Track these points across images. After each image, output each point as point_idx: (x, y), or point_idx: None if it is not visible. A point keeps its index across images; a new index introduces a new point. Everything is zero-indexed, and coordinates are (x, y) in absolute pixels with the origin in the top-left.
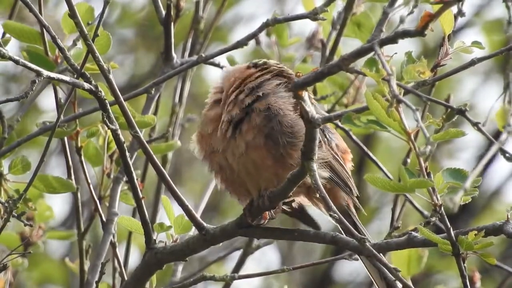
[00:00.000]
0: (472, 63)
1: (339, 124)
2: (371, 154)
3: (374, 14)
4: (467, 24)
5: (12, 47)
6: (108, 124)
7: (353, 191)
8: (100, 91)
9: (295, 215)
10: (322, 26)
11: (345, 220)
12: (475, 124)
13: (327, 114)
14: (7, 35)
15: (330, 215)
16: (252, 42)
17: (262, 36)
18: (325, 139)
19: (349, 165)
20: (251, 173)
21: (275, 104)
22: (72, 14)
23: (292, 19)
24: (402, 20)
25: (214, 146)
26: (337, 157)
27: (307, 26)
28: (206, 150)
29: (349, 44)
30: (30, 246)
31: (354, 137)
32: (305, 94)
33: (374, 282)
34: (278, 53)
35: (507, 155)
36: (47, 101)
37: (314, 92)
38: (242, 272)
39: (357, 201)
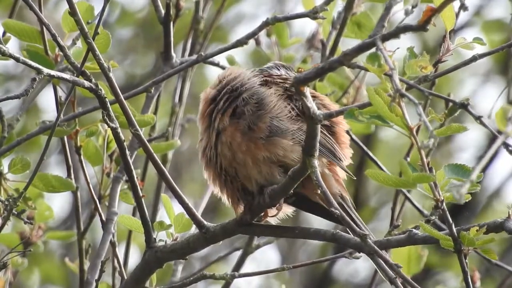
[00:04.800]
0: (474, 59)
1: None
2: (370, 154)
3: (374, 15)
4: (467, 24)
5: (12, 47)
6: (108, 122)
7: (341, 158)
8: (100, 89)
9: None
10: (322, 26)
11: (346, 217)
12: (478, 118)
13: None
14: (7, 34)
15: (332, 212)
16: (252, 42)
17: (263, 36)
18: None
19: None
20: (228, 159)
21: (238, 84)
22: (72, 11)
23: (292, 18)
24: (407, 13)
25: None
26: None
27: (307, 27)
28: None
29: (349, 45)
30: (30, 245)
31: (354, 136)
32: (306, 90)
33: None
34: (278, 53)
35: (510, 148)
36: (46, 100)
37: None
38: (242, 271)
39: (345, 168)
